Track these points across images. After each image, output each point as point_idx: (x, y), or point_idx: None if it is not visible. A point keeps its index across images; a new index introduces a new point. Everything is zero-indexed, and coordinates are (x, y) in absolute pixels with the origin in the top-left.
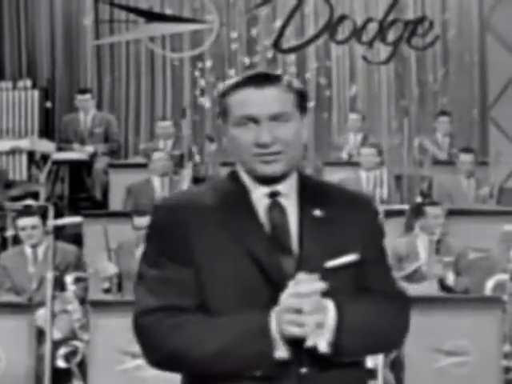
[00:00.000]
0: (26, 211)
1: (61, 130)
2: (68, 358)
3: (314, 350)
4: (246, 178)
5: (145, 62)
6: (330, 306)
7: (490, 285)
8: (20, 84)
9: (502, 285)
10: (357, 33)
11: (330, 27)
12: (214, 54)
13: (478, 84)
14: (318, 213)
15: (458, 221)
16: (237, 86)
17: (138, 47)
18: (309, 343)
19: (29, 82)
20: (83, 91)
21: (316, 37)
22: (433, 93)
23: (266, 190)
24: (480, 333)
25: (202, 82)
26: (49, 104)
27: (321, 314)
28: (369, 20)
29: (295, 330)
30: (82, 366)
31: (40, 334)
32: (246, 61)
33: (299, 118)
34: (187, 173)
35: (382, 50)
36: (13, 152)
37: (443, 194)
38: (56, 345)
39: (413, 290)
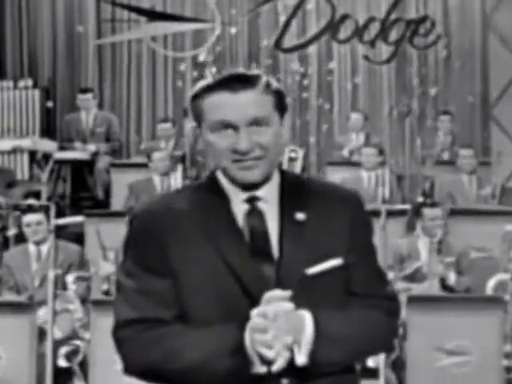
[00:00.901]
0: (32, 207)
1: (62, 130)
2: (69, 357)
3: (293, 363)
4: (224, 183)
5: (146, 61)
6: (307, 319)
7: (491, 284)
8: (21, 83)
9: (504, 284)
10: (359, 32)
11: (332, 26)
12: (216, 54)
13: (479, 83)
14: (299, 216)
15: (460, 221)
16: (210, 89)
17: (140, 47)
18: (274, 367)
19: (30, 82)
20: (85, 91)
21: (318, 36)
22: (435, 92)
23: (244, 195)
24: (481, 332)
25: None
26: (50, 103)
27: (291, 334)
28: (371, 19)
29: (264, 352)
30: (83, 365)
31: (41, 333)
32: (248, 60)
33: (278, 120)
34: (178, 173)
35: (384, 50)
36: (14, 151)
37: (445, 194)
38: (57, 344)
39: (414, 289)
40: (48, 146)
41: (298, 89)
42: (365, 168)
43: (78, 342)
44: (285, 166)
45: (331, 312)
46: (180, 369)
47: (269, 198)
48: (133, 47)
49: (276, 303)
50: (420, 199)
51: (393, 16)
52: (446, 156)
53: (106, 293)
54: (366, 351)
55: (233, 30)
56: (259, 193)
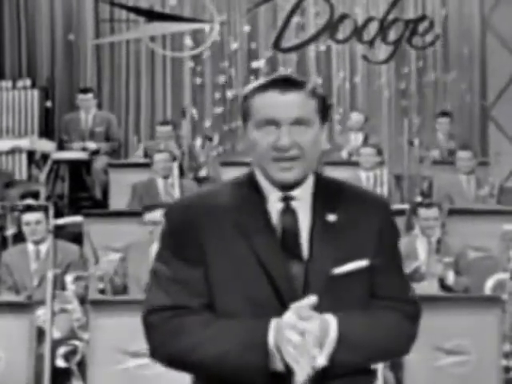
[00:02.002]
0: (31, 207)
1: (61, 129)
2: (68, 357)
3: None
4: (262, 181)
5: (145, 61)
6: (332, 324)
7: (489, 284)
8: (20, 83)
9: (502, 284)
10: (357, 32)
11: (331, 26)
12: (215, 54)
13: (478, 83)
14: (330, 217)
15: (458, 220)
16: (261, 89)
17: (139, 47)
18: (298, 380)
19: (29, 82)
20: (85, 91)
21: (316, 36)
22: (433, 92)
23: (280, 194)
24: (480, 332)
25: (202, 82)
26: (49, 103)
27: (316, 348)
28: (369, 19)
29: (291, 363)
30: (82, 365)
31: (40, 334)
32: (247, 60)
33: (320, 124)
34: (175, 173)
35: (383, 50)
36: (13, 152)
37: (443, 194)
38: (55, 344)
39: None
40: (46, 146)
41: None
42: (363, 168)
43: (76, 342)
44: None
45: (354, 315)
46: (201, 360)
47: (303, 198)
48: (131, 47)
49: (308, 320)
50: (418, 199)
51: (391, 16)
52: (444, 157)
53: (102, 291)
54: (385, 355)
55: (231, 30)
56: (294, 192)
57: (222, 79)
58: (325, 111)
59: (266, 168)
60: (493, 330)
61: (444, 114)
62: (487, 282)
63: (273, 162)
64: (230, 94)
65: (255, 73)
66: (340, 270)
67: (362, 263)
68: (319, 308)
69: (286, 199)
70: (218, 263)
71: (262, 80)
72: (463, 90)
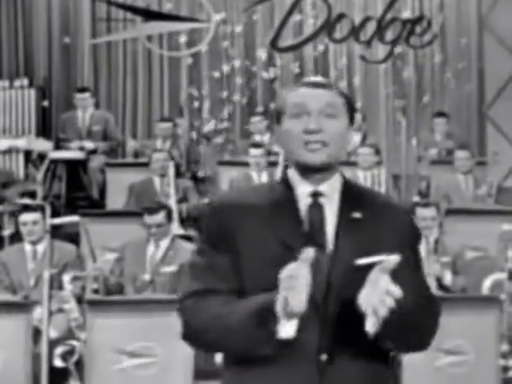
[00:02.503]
0: (28, 207)
1: (58, 128)
2: (65, 357)
3: (334, 339)
4: (294, 179)
5: (142, 60)
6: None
7: (487, 284)
8: (17, 83)
9: (500, 284)
10: (355, 32)
11: (328, 26)
12: (212, 53)
13: (475, 83)
14: (355, 214)
15: (456, 220)
16: (295, 87)
17: (135, 46)
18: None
19: (26, 81)
20: (82, 90)
21: (314, 36)
22: (431, 92)
23: (309, 189)
24: (478, 332)
25: (199, 81)
26: (46, 103)
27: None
28: (367, 19)
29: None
30: (79, 365)
31: (37, 333)
32: (244, 60)
33: (347, 121)
34: (171, 172)
35: (380, 49)
36: (10, 151)
37: (441, 194)
38: (53, 344)
39: None
40: (43, 145)
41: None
42: (361, 168)
43: (73, 342)
44: (280, 166)
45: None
46: (216, 334)
47: (330, 195)
48: (128, 46)
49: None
50: (416, 199)
51: (389, 16)
52: (442, 156)
53: (96, 291)
54: (417, 343)
55: (228, 30)
56: (322, 188)
57: (219, 78)
58: (351, 112)
59: (295, 151)
60: (491, 330)
61: (440, 114)
62: (485, 282)
63: (303, 145)
64: (226, 92)
65: (253, 73)
66: (362, 261)
67: (384, 258)
68: (341, 297)
69: (315, 195)
70: (250, 253)
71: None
72: (461, 89)
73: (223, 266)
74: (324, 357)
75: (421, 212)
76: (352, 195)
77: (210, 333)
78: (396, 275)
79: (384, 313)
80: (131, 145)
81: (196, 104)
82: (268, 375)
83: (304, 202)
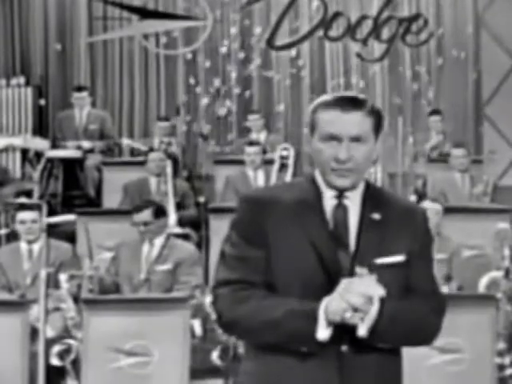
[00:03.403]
0: (27, 205)
1: (55, 127)
2: (62, 356)
3: (354, 332)
4: (320, 182)
5: (138, 59)
6: (375, 299)
7: (483, 282)
8: (13, 81)
9: (496, 282)
10: (351, 30)
11: (325, 24)
12: (208, 51)
13: (472, 81)
14: (376, 216)
15: (453, 218)
16: (326, 105)
17: (132, 44)
18: (361, 332)
19: (22, 80)
20: (79, 89)
21: (310, 34)
22: (427, 90)
23: (335, 192)
24: (474, 330)
25: (196, 80)
26: (42, 101)
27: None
28: (363, 17)
29: (349, 318)
30: (76, 364)
31: (33, 332)
32: (240, 58)
33: (374, 139)
34: (169, 171)
35: (377, 48)
36: (6, 150)
37: (437, 192)
38: (49, 343)
39: None
40: (40, 144)
41: (291, 86)
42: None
43: (70, 341)
44: (276, 164)
45: (394, 301)
46: (258, 325)
47: (353, 198)
48: (125, 45)
49: (370, 286)
50: (413, 198)
51: (385, 14)
52: (437, 154)
53: (91, 291)
54: (413, 339)
55: (225, 28)
56: (347, 192)
57: (215, 77)
58: (379, 126)
59: (325, 173)
60: (487, 329)
61: (435, 112)
62: (481, 280)
63: (332, 171)
64: (223, 90)
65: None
66: (382, 260)
67: (400, 258)
68: None
69: (340, 197)
70: (279, 248)
71: (327, 97)
72: (457, 87)
73: (257, 259)
74: (344, 348)
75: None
76: (373, 197)
77: (251, 323)
78: (408, 273)
79: (355, 319)
80: (126, 143)
81: (192, 102)
82: (291, 364)
83: (329, 203)
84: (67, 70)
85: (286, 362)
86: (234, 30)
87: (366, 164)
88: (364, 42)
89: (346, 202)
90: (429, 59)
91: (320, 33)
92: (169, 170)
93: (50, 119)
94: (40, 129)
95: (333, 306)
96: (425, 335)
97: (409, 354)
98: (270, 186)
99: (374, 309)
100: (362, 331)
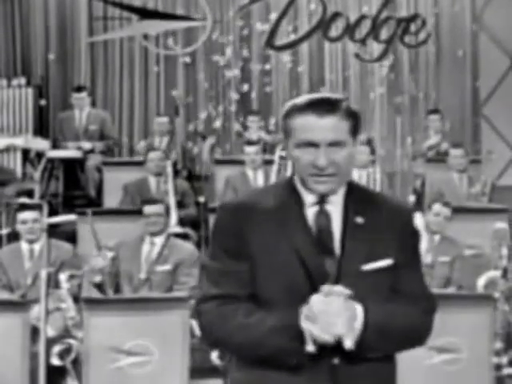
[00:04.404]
0: (28, 205)
1: (55, 128)
2: (62, 355)
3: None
4: (300, 187)
5: (138, 59)
6: (359, 310)
7: (481, 282)
8: (14, 82)
9: (494, 282)
10: (350, 30)
11: (323, 24)
12: (208, 52)
13: (470, 82)
14: (359, 220)
15: (451, 218)
16: (299, 110)
17: (132, 44)
18: (347, 344)
19: (23, 80)
20: (79, 89)
21: (309, 34)
22: (425, 90)
23: (315, 198)
24: (471, 330)
25: (195, 79)
26: (43, 102)
27: (343, 326)
28: (362, 17)
29: (326, 338)
30: (76, 363)
31: (34, 332)
32: (240, 58)
33: (352, 142)
34: (169, 171)
35: (375, 48)
36: (7, 150)
37: (435, 192)
38: (50, 343)
39: None
40: (41, 144)
41: (289, 87)
42: (356, 166)
43: (70, 341)
44: (276, 165)
45: (379, 306)
46: (240, 344)
47: (335, 202)
48: (125, 45)
49: (336, 297)
50: (412, 198)
51: (384, 14)
52: (435, 154)
53: (99, 286)
54: (404, 344)
55: (224, 28)
56: (328, 197)
57: (214, 77)
58: (357, 128)
59: (305, 180)
60: (484, 328)
61: (434, 111)
62: (479, 280)
63: (311, 177)
64: (221, 90)
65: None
66: (369, 266)
67: (388, 262)
68: None
69: (321, 202)
70: (262, 258)
71: (300, 100)
72: (455, 87)
73: (240, 272)
74: (336, 360)
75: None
76: (356, 200)
77: (237, 340)
78: (397, 275)
79: (329, 338)
80: (142, 145)
81: (192, 102)
82: (282, 378)
83: (311, 208)
84: (67, 71)
85: (277, 376)
86: (233, 31)
87: (347, 168)
88: (363, 42)
89: (328, 207)
90: (427, 59)
91: (319, 33)
92: (169, 169)
93: (50, 119)
94: (41, 129)
95: (313, 331)
96: (418, 338)
97: (406, 354)
98: (249, 193)
99: (358, 322)
100: (349, 343)
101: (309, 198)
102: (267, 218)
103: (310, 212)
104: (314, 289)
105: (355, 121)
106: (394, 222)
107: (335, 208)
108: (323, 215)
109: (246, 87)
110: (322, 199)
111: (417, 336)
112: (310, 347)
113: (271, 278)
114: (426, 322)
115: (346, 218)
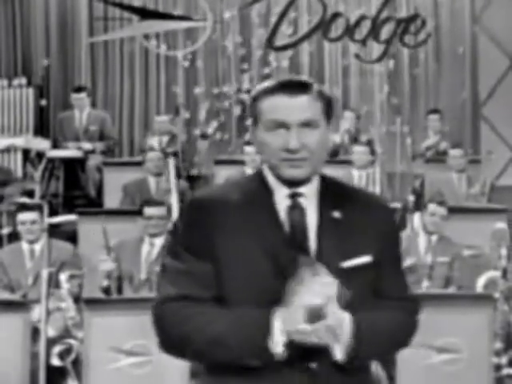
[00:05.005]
0: (27, 206)
1: (56, 128)
2: (62, 356)
3: (323, 348)
4: (270, 179)
5: (139, 59)
6: (346, 320)
7: (481, 282)
8: (15, 82)
9: (494, 282)
10: (350, 31)
11: (323, 25)
12: (208, 52)
13: (469, 82)
14: (336, 214)
15: (450, 218)
16: (269, 92)
17: (132, 45)
18: (338, 356)
19: (24, 80)
20: (78, 90)
21: (309, 34)
22: (425, 91)
23: (288, 191)
24: (471, 330)
25: (196, 80)
26: (43, 102)
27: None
28: (362, 18)
29: (308, 339)
30: (77, 364)
31: (34, 332)
32: (240, 58)
33: (326, 125)
34: (171, 171)
35: (375, 48)
36: (8, 150)
37: (435, 192)
38: (50, 343)
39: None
40: (41, 144)
41: None
42: (356, 166)
43: (71, 341)
44: None
45: (365, 313)
46: (206, 343)
47: (309, 195)
48: (125, 45)
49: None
50: (411, 197)
51: (384, 14)
52: (433, 153)
53: (106, 290)
54: (391, 348)
55: (224, 28)
56: (301, 189)
57: (215, 77)
58: (330, 112)
59: (275, 167)
60: (484, 328)
61: (434, 111)
62: (479, 280)
63: (283, 161)
64: (223, 90)
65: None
66: (347, 264)
67: (367, 259)
68: None
69: (294, 196)
70: (229, 257)
71: (269, 83)
72: (455, 88)
73: (204, 273)
74: (314, 365)
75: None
76: (331, 194)
77: (197, 342)
78: (378, 275)
79: (328, 340)
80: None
81: (192, 103)
82: (256, 382)
83: (283, 203)
84: (68, 71)
85: (249, 379)
86: (233, 31)
87: (320, 152)
88: (363, 42)
89: (302, 200)
90: (426, 59)
91: (319, 33)
92: (171, 166)
93: (51, 119)
94: (41, 129)
95: (290, 318)
96: (404, 341)
97: (406, 354)
98: (216, 187)
99: (348, 328)
100: (339, 355)
101: (280, 192)
102: (233, 214)
103: (282, 206)
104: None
105: (328, 104)
106: (374, 219)
107: (309, 202)
108: (297, 209)
109: (245, 87)
110: (295, 192)
111: (403, 339)
112: (277, 347)
113: (240, 280)
114: (411, 324)
115: (322, 212)
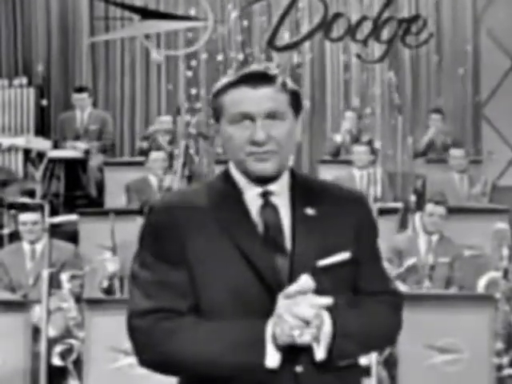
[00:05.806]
0: (28, 206)
1: (57, 128)
2: (63, 355)
3: (309, 350)
4: (238, 178)
5: (140, 59)
6: (325, 317)
7: (482, 282)
8: (16, 82)
9: (495, 282)
10: (351, 31)
11: (325, 25)
12: (209, 52)
13: (471, 82)
14: (310, 211)
15: (451, 219)
16: (231, 85)
17: (133, 44)
18: (319, 356)
19: (24, 80)
20: (79, 90)
21: (310, 34)
22: (426, 91)
23: (258, 189)
24: (472, 330)
25: (196, 80)
26: (44, 102)
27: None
28: (363, 18)
29: (299, 338)
30: (78, 363)
31: (35, 332)
32: (241, 58)
33: (293, 117)
34: (178, 170)
35: (377, 48)
36: (9, 150)
37: (436, 192)
38: (51, 343)
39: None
40: (42, 144)
41: None
42: (357, 166)
43: (72, 341)
44: None
45: (346, 309)
46: (196, 361)
47: (280, 192)
48: (126, 45)
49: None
50: (412, 198)
51: (385, 15)
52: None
53: (108, 291)
54: (377, 345)
55: (225, 29)
56: (272, 187)
57: (216, 77)
58: (297, 104)
59: (241, 162)
60: (485, 329)
61: (436, 110)
62: (480, 281)
63: (249, 156)
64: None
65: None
66: (325, 262)
67: (345, 255)
68: None
69: (266, 194)
70: (202, 262)
71: (232, 76)
72: (456, 88)
73: (179, 282)
74: (299, 368)
75: (430, 208)
76: (303, 190)
77: (184, 360)
78: (355, 272)
79: (307, 337)
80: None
81: (193, 103)
82: None
83: (254, 203)
84: (69, 71)
85: None
86: (234, 31)
87: (288, 145)
88: (364, 42)
89: (273, 198)
90: (428, 60)
91: (320, 33)
92: (179, 170)
93: (52, 119)
94: (42, 129)
95: (281, 327)
96: (389, 338)
97: (407, 354)
98: (181, 191)
99: (328, 326)
100: (320, 354)
101: (250, 191)
102: (203, 216)
103: (254, 206)
104: (268, 294)
105: (295, 97)
106: (350, 213)
107: (281, 200)
108: (269, 208)
109: None
110: (266, 191)
111: (388, 337)
112: (273, 361)
113: (215, 286)
114: (395, 320)
115: (295, 210)
